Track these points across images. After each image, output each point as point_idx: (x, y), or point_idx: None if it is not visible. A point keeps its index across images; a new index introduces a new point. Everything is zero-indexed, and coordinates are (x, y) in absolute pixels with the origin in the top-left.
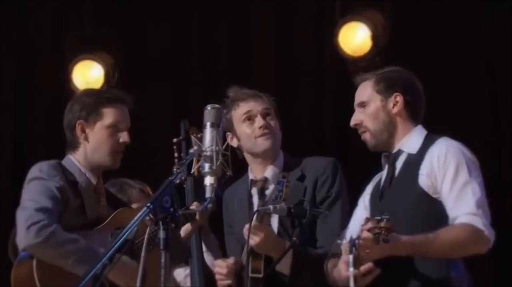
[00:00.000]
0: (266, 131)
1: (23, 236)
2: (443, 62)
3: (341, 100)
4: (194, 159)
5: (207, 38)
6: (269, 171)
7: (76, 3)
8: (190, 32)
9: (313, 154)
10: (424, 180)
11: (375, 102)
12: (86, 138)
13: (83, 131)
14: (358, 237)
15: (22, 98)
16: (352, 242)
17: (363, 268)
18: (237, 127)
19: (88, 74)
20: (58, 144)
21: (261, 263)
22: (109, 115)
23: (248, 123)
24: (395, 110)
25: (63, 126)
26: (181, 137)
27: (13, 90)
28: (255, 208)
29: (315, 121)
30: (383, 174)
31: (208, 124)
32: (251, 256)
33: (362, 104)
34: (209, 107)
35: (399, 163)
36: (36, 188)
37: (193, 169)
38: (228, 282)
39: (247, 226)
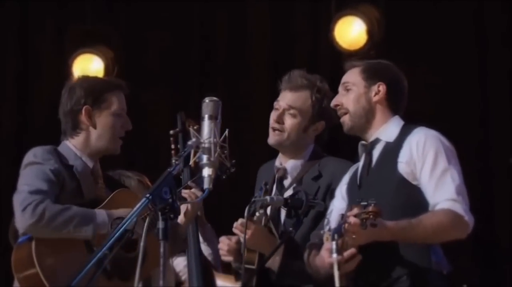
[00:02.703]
0: (275, 125)
1: (20, 219)
2: (436, 56)
3: (336, 93)
4: (192, 151)
5: (205, 31)
6: (290, 163)
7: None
8: (188, 26)
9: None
10: (403, 167)
11: (359, 87)
12: (92, 124)
13: (90, 116)
14: (343, 223)
15: (23, 91)
16: (335, 230)
17: (346, 253)
18: None
19: (88, 67)
20: (59, 135)
21: (255, 255)
22: (115, 101)
23: (273, 112)
24: (376, 98)
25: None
26: (177, 129)
27: (15, 84)
28: (273, 193)
29: None
30: (360, 163)
31: (206, 116)
32: (246, 248)
33: (346, 87)
34: (207, 99)
35: (377, 151)
36: (31, 172)
37: (191, 161)
38: (230, 258)
39: (236, 223)
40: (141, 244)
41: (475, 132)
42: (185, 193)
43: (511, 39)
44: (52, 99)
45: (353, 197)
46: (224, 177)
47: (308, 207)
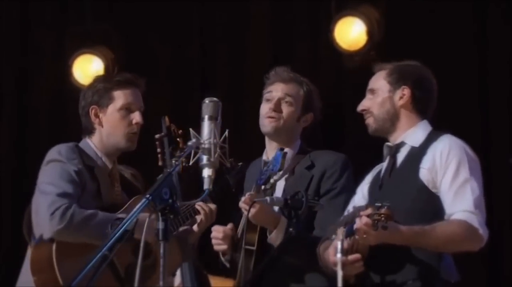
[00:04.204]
0: (272, 113)
1: (48, 224)
2: (436, 56)
3: (336, 94)
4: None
5: (205, 31)
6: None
7: None
8: (189, 26)
9: (309, 145)
10: (425, 174)
11: (383, 92)
12: (100, 123)
13: (97, 116)
14: (355, 222)
15: (24, 91)
16: (349, 228)
17: (351, 257)
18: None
19: (88, 68)
20: (59, 136)
21: (255, 236)
22: (120, 97)
23: (265, 103)
24: (400, 102)
25: (63, 118)
26: (162, 134)
27: (15, 83)
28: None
29: None
30: (384, 164)
31: (206, 117)
32: (246, 228)
33: (372, 91)
34: (207, 100)
35: (401, 155)
36: (55, 171)
37: (193, 160)
38: (224, 247)
39: (243, 198)
40: (141, 244)
41: (475, 132)
42: (199, 205)
43: None
44: (53, 100)
45: (373, 197)
46: (233, 189)
47: (308, 208)
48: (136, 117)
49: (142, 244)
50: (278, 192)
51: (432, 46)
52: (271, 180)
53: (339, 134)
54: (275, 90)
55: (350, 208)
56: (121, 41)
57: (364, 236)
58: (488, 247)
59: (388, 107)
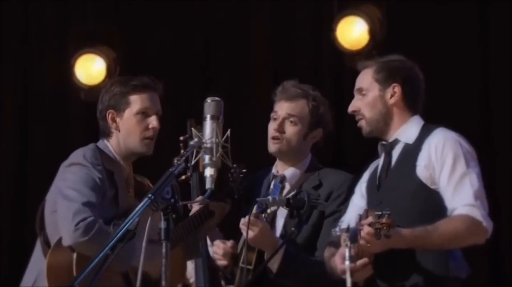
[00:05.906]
0: (275, 134)
1: (71, 234)
2: (439, 56)
3: (338, 93)
4: (200, 155)
5: (207, 32)
6: (289, 171)
7: None
8: (191, 26)
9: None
10: (422, 171)
11: (373, 91)
12: (117, 127)
13: (114, 120)
14: (357, 230)
15: (25, 91)
16: (352, 234)
17: (359, 263)
18: None
19: (90, 68)
20: (61, 136)
21: (253, 255)
22: (136, 102)
23: (271, 122)
24: (392, 100)
25: (65, 118)
26: (187, 135)
27: (16, 83)
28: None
29: None
30: (379, 162)
31: (208, 116)
32: (245, 247)
33: (361, 91)
34: (209, 99)
35: (396, 153)
36: (80, 177)
37: (194, 161)
38: (224, 262)
39: (243, 219)
40: (143, 244)
41: (476, 132)
42: (212, 204)
43: None
44: (55, 99)
45: (372, 198)
46: (236, 196)
47: (310, 207)
48: (153, 121)
49: (144, 244)
50: (283, 211)
51: (434, 45)
52: (268, 210)
53: (341, 134)
54: (280, 109)
55: (349, 208)
56: (124, 41)
57: (368, 245)
58: (491, 245)
59: (379, 107)
